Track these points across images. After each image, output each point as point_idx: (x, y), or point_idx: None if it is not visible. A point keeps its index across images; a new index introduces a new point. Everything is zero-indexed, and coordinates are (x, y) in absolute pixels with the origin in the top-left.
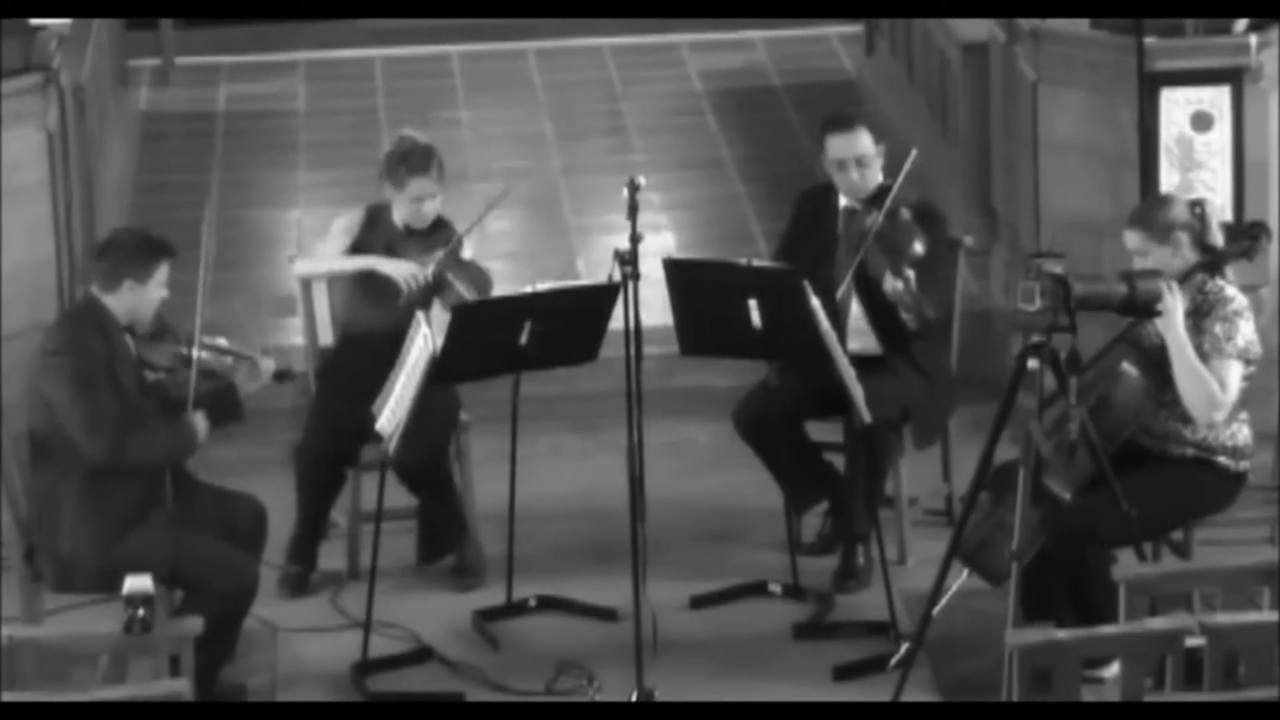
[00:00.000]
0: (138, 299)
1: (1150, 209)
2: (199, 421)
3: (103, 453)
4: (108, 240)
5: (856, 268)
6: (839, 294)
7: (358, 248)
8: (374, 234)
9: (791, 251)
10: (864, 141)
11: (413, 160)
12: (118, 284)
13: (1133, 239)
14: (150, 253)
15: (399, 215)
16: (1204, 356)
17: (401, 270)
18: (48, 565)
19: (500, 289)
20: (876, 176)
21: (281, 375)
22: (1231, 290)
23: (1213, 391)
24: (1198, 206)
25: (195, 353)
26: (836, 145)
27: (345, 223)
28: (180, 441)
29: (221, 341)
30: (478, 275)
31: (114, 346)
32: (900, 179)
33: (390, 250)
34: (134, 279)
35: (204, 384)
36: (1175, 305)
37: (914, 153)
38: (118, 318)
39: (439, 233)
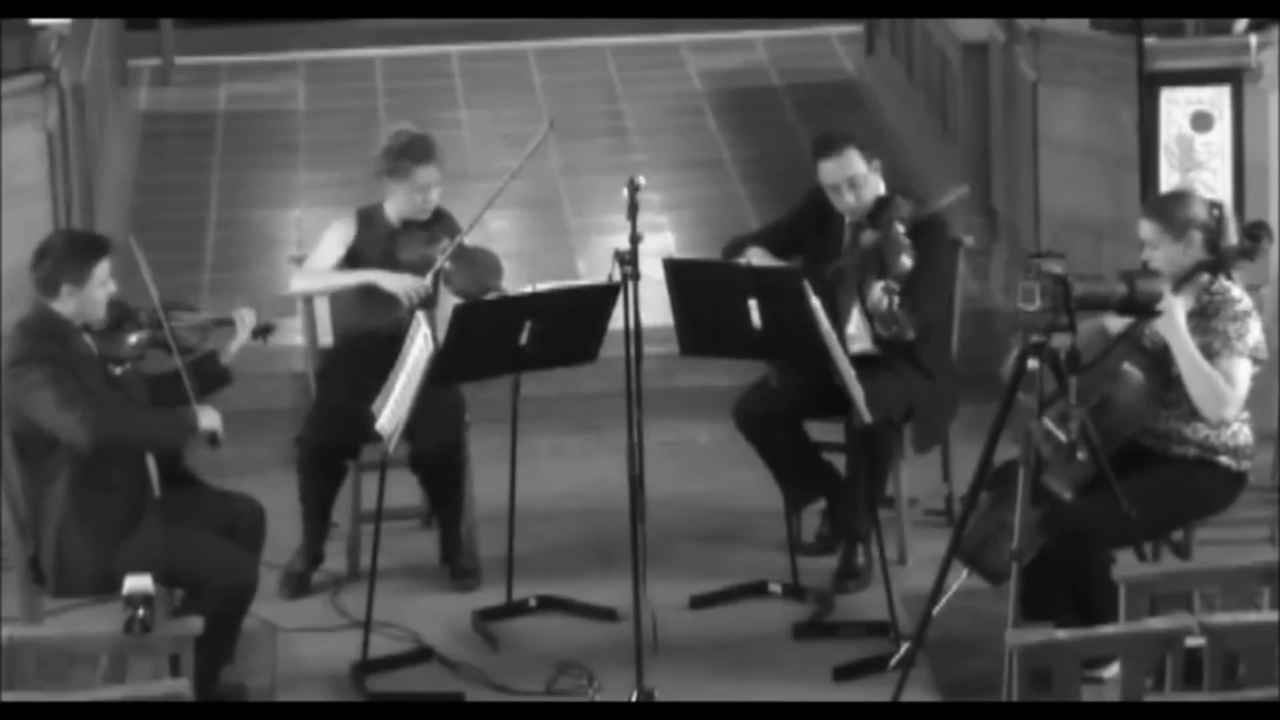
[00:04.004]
0: (81, 301)
1: (1170, 203)
2: (207, 414)
3: (90, 442)
4: (40, 247)
5: (856, 278)
6: (841, 301)
7: (356, 252)
8: (370, 236)
9: (779, 237)
10: (853, 163)
11: (415, 150)
12: (56, 290)
13: (1146, 229)
14: (84, 254)
15: (398, 209)
16: (1214, 354)
17: (400, 284)
18: (45, 570)
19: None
20: (875, 190)
21: (262, 331)
22: (1237, 291)
23: (1220, 388)
24: (1216, 209)
25: (167, 333)
26: (827, 171)
27: (338, 231)
28: (175, 425)
29: (188, 314)
30: (486, 259)
31: (72, 349)
32: (944, 204)
33: (390, 247)
34: (71, 283)
35: (186, 358)
36: (1175, 305)
37: (964, 189)
38: (70, 319)
39: (440, 223)
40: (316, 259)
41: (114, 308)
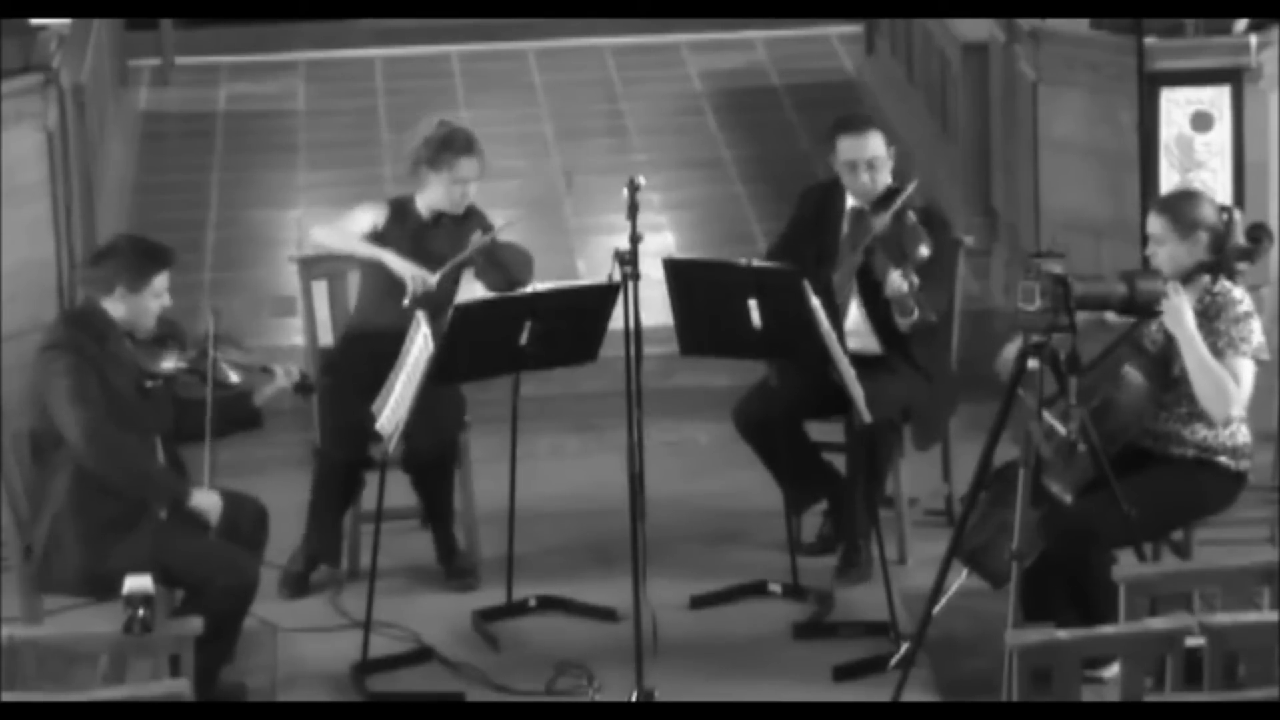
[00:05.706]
0: (133, 307)
1: (1181, 201)
2: (204, 495)
3: (80, 445)
4: (106, 246)
5: (860, 268)
6: (840, 292)
7: (382, 239)
8: (400, 226)
9: (789, 249)
10: (876, 144)
11: (458, 142)
12: (110, 290)
13: (1155, 224)
14: (146, 262)
15: (432, 202)
16: (1218, 354)
17: (409, 270)
18: (36, 564)
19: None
20: (886, 179)
21: (303, 388)
22: (1239, 292)
23: (1228, 387)
24: (1226, 213)
25: (209, 363)
26: (848, 147)
27: (370, 212)
28: (164, 486)
29: (236, 352)
30: (517, 256)
31: (110, 351)
32: (906, 193)
33: (418, 241)
34: (126, 287)
35: (218, 393)
36: (1182, 304)
37: (915, 183)
38: (117, 322)
39: (470, 220)
40: (347, 222)
41: (165, 324)
